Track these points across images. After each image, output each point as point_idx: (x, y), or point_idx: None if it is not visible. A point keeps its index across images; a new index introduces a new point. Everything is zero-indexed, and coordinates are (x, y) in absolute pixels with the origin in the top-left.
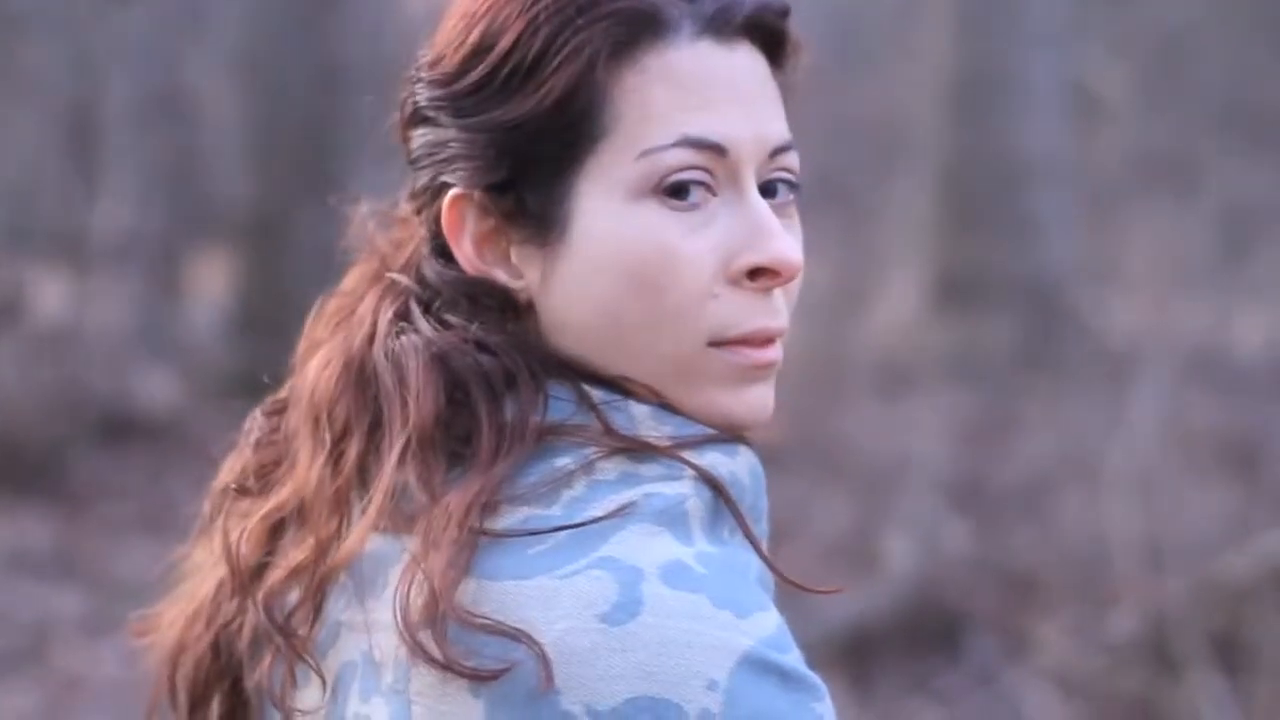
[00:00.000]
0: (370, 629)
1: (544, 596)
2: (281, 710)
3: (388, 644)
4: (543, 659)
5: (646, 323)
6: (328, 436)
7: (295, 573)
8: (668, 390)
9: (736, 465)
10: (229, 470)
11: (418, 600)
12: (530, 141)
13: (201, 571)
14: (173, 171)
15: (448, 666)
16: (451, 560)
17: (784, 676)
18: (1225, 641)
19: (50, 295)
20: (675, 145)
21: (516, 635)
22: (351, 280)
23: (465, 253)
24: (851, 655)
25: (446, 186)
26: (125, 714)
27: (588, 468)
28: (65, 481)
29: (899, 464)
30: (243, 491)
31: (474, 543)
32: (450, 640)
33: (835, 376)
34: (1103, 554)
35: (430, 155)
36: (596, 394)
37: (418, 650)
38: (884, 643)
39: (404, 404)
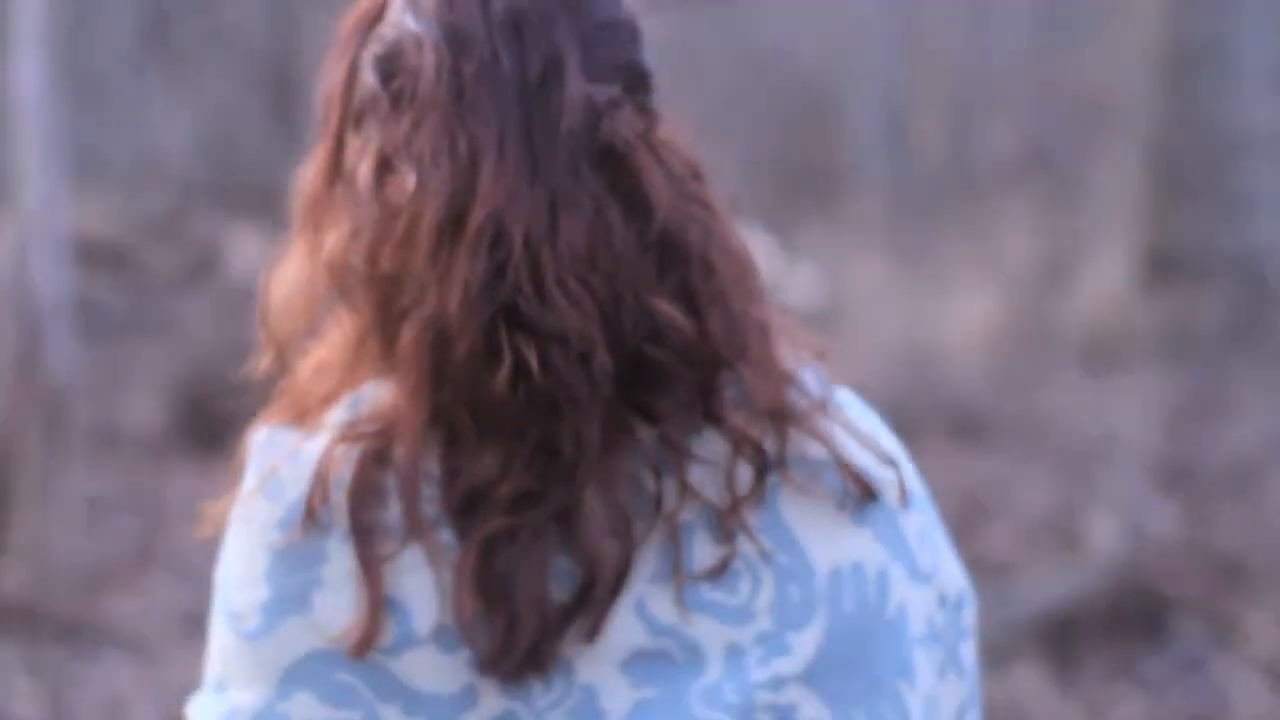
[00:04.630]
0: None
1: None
2: None
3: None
4: (900, 481)
5: None
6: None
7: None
8: None
9: None
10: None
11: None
12: None
13: None
14: None
15: (868, 489)
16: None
17: None
18: None
19: (247, 250)
20: None
21: (886, 460)
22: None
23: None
24: (1055, 639)
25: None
26: None
27: None
28: None
29: (1104, 442)
30: None
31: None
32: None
33: (1040, 351)
34: None
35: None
36: None
37: (848, 476)
38: (1088, 627)
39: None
